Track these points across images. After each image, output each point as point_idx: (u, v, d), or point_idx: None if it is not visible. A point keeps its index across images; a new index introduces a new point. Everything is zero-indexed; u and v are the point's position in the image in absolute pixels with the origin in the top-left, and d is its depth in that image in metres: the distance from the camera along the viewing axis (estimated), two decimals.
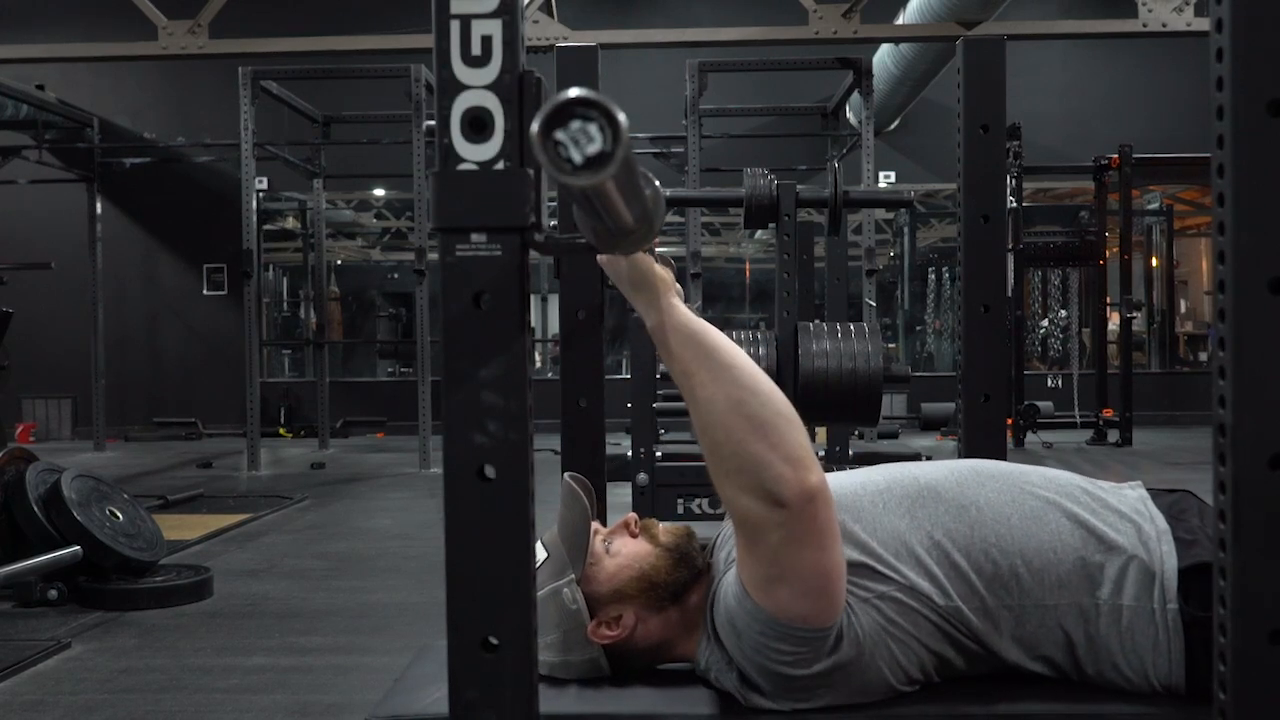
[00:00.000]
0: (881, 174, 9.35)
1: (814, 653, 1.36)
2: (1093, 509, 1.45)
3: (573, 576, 1.51)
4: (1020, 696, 1.42)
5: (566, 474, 1.59)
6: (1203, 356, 11.59)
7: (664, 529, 1.58)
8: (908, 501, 1.47)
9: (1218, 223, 1.13)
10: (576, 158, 0.73)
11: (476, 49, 0.90)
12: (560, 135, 0.73)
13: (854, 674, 1.39)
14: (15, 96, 8.95)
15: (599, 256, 1.36)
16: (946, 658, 1.43)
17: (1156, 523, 1.44)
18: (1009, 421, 3.86)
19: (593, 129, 0.73)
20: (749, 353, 2.96)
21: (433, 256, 7.45)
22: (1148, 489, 1.53)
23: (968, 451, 2.04)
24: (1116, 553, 1.41)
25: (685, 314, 1.31)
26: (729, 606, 1.40)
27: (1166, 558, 1.40)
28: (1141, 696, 1.41)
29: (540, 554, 1.53)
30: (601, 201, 0.88)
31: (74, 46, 8.37)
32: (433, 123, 0.94)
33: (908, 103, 9.78)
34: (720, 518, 1.62)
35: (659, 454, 4.16)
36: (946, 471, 1.52)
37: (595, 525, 1.57)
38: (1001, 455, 1.96)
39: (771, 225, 3.16)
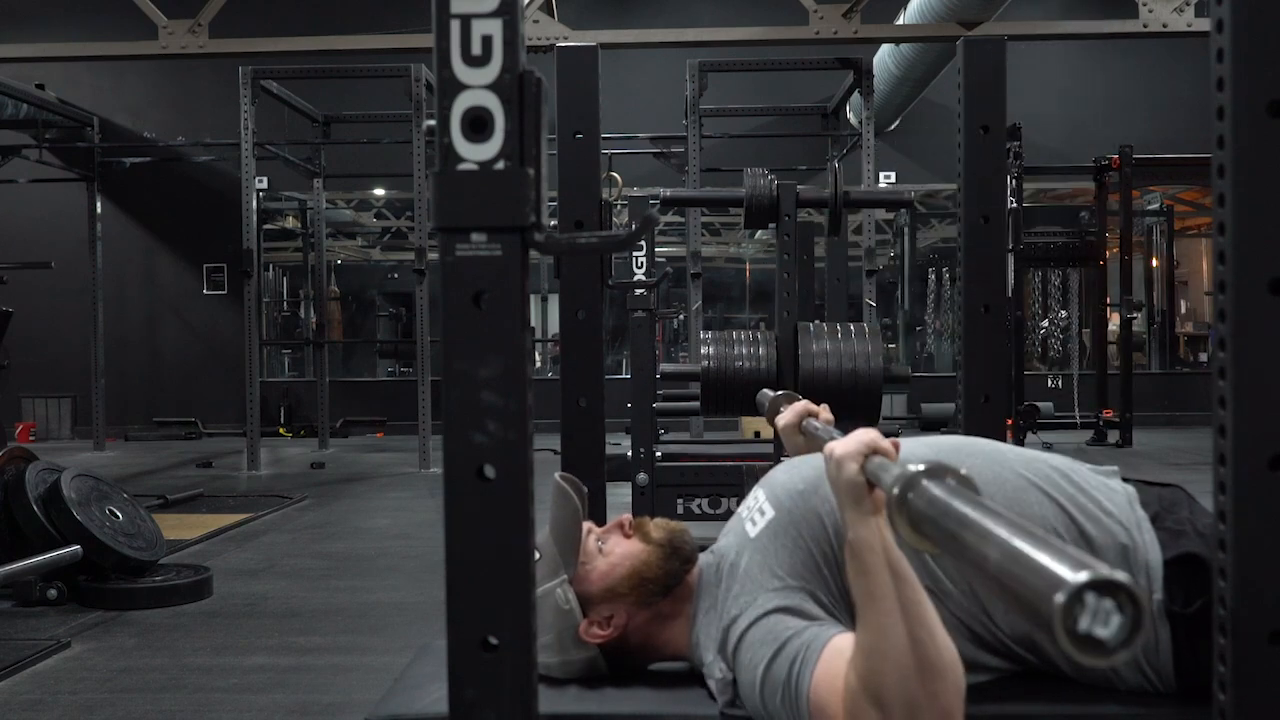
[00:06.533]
0: (881, 174, 9.35)
1: None
2: (1074, 498, 1.45)
3: (565, 577, 1.51)
4: (1020, 696, 1.42)
5: (556, 474, 1.58)
6: (1203, 357, 11.58)
7: (655, 524, 1.58)
8: None
9: (1218, 223, 1.13)
10: (1101, 634, 0.69)
11: (477, 49, 0.90)
12: (1082, 609, 0.69)
13: None
14: (15, 96, 8.95)
15: (831, 447, 1.31)
16: None
17: (1137, 512, 1.44)
18: (1009, 422, 3.86)
19: (1111, 606, 0.70)
20: (749, 352, 2.97)
21: (433, 256, 7.45)
22: (1137, 480, 1.53)
23: None
24: (1099, 542, 1.41)
25: (889, 538, 1.27)
26: (775, 688, 1.35)
27: (1150, 547, 1.41)
28: (1138, 697, 1.41)
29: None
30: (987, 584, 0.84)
31: (74, 46, 8.37)
32: (433, 123, 0.93)
33: (908, 103, 9.79)
34: (719, 519, 1.63)
35: (659, 454, 4.16)
36: (925, 446, 1.52)
37: (588, 525, 1.57)
38: None
39: (771, 225, 3.16)
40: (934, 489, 0.93)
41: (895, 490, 0.97)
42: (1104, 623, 0.69)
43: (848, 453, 1.25)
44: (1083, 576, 0.68)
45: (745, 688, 1.40)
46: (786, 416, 1.76)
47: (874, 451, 1.23)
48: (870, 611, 1.26)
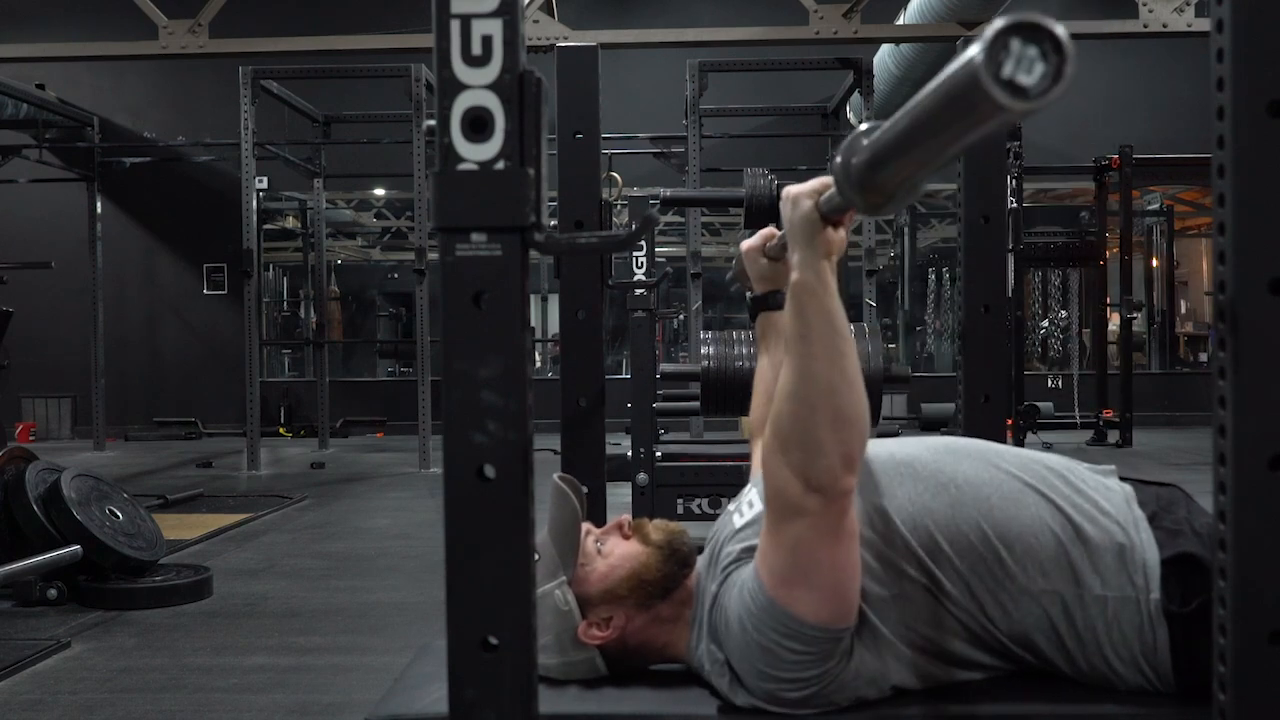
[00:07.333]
0: None
1: (823, 655, 1.35)
2: (1070, 498, 1.44)
3: (564, 578, 1.51)
4: (1018, 696, 1.42)
5: (555, 475, 1.58)
6: (1203, 357, 11.57)
7: (654, 525, 1.58)
8: (885, 479, 1.46)
9: (1218, 223, 1.13)
10: (1025, 81, 0.69)
11: (477, 49, 0.90)
12: (1006, 55, 0.69)
13: (847, 682, 1.39)
14: (15, 96, 8.95)
15: (788, 189, 1.33)
16: (936, 650, 1.42)
17: (1135, 511, 1.44)
18: (1009, 422, 3.85)
19: (1035, 54, 0.69)
20: (749, 352, 2.97)
21: (433, 256, 7.45)
22: (1135, 479, 1.53)
23: None
24: (1096, 542, 1.41)
25: (833, 285, 1.30)
26: (743, 604, 1.39)
27: (1148, 547, 1.40)
28: (1137, 697, 1.41)
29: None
30: (937, 144, 0.83)
31: (74, 46, 8.36)
32: (433, 123, 0.93)
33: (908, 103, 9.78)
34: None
35: (659, 454, 4.16)
36: (922, 447, 1.51)
37: (587, 526, 1.57)
38: None
39: (772, 225, 3.16)
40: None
41: (840, 161, 1.02)
42: (1027, 70, 0.69)
43: (803, 191, 1.30)
44: (1003, 22, 0.69)
45: (733, 644, 1.40)
46: (751, 240, 1.74)
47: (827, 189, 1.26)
48: (797, 355, 1.30)
